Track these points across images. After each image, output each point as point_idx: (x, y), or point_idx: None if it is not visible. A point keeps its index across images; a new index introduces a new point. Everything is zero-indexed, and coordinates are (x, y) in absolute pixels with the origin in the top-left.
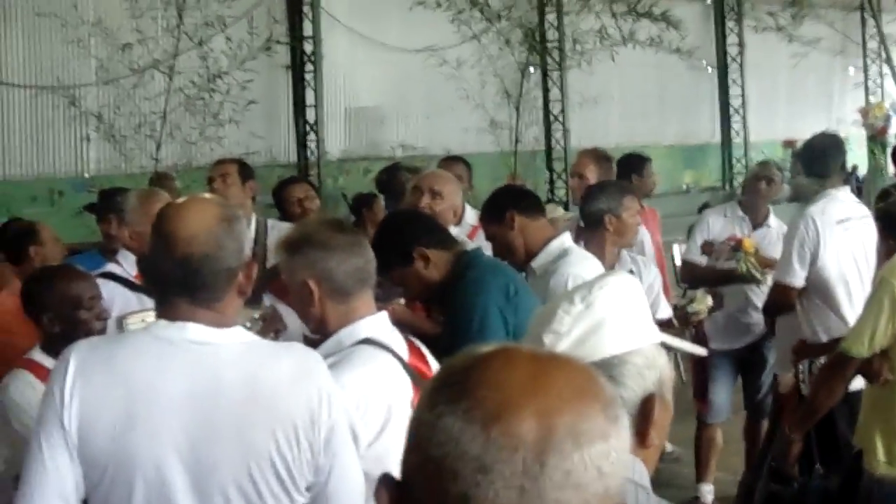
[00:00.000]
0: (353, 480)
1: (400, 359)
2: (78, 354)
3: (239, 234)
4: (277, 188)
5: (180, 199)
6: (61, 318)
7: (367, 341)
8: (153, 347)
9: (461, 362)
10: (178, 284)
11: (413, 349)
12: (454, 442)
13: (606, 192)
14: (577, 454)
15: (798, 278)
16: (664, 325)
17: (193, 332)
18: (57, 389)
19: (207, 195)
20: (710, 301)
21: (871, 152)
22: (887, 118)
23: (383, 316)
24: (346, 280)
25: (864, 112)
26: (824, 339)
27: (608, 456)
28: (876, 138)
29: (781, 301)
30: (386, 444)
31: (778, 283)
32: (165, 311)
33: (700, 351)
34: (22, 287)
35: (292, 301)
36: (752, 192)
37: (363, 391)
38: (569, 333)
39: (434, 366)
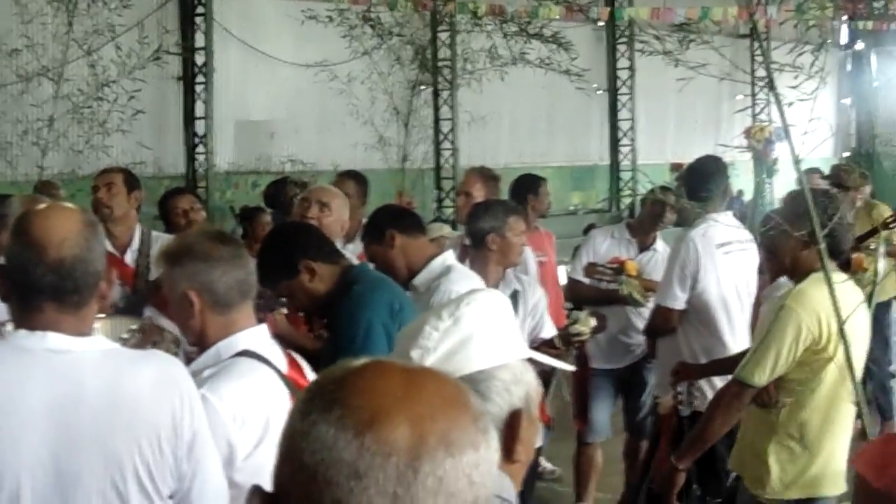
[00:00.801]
0: (216, 486)
1: (278, 371)
2: None
3: (101, 238)
4: (163, 199)
5: (39, 206)
6: None
7: (245, 353)
8: (12, 358)
9: (334, 373)
10: (49, 289)
11: (292, 362)
12: (328, 449)
13: (491, 212)
14: (449, 461)
15: (678, 301)
16: (547, 345)
17: (53, 341)
18: None
19: (69, 203)
20: (593, 322)
21: (756, 176)
22: (769, 142)
23: (262, 328)
24: (228, 292)
25: (748, 133)
26: (703, 360)
27: (478, 466)
28: (760, 161)
29: (662, 323)
30: (263, 456)
31: (659, 305)
32: (26, 319)
33: (566, 367)
34: None
35: (172, 313)
36: (652, 216)
37: (241, 403)
38: (436, 349)
39: (312, 378)
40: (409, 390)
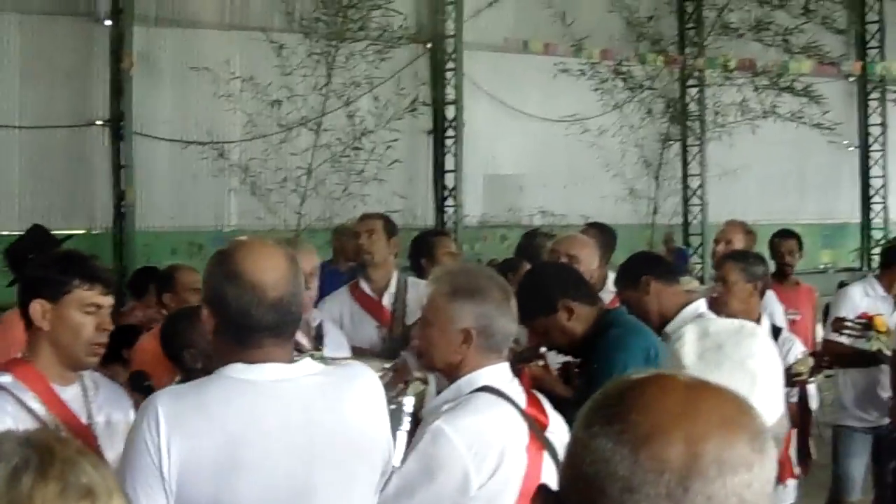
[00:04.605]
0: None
1: (517, 406)
2: (164, 404)
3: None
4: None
5: (244, 246)
6: (204, 353)
7: (485, 388)
8: (238, 392)
9: (618, 386)
10: (271, 327)
11: (531, 399)
12: (605, 462)
13: None
14: (720, 481)
15: None
16: None
17: (270, 371)
18: (149, 440)
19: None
20: (811, 362)
21: None
22: None
23: (504, 366)
24: (502, 341)
25: None
26: None
27: (750, 485)
28: None
29: None
30: (497, 485)
31: None
32: (243, 354)
33: None
34: (163, 325)
35: (433, 336)
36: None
37: (478, 436)
38: None
39: (552, 415)
40: (687, 408)
